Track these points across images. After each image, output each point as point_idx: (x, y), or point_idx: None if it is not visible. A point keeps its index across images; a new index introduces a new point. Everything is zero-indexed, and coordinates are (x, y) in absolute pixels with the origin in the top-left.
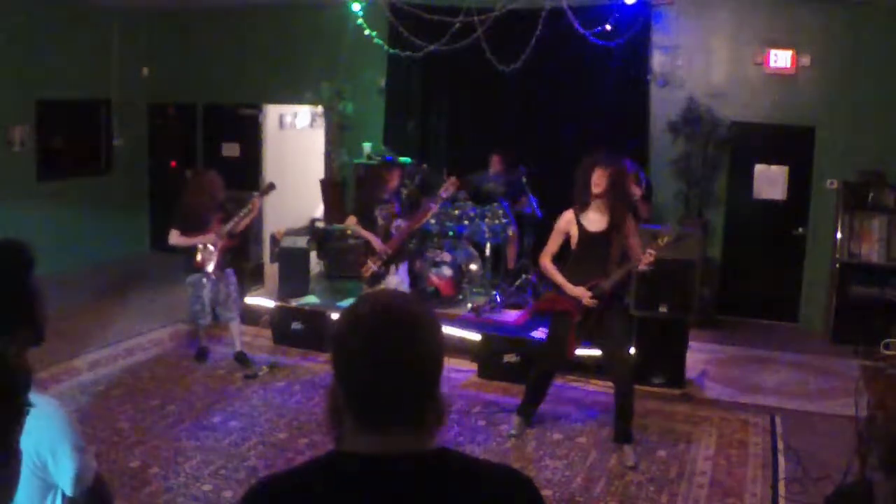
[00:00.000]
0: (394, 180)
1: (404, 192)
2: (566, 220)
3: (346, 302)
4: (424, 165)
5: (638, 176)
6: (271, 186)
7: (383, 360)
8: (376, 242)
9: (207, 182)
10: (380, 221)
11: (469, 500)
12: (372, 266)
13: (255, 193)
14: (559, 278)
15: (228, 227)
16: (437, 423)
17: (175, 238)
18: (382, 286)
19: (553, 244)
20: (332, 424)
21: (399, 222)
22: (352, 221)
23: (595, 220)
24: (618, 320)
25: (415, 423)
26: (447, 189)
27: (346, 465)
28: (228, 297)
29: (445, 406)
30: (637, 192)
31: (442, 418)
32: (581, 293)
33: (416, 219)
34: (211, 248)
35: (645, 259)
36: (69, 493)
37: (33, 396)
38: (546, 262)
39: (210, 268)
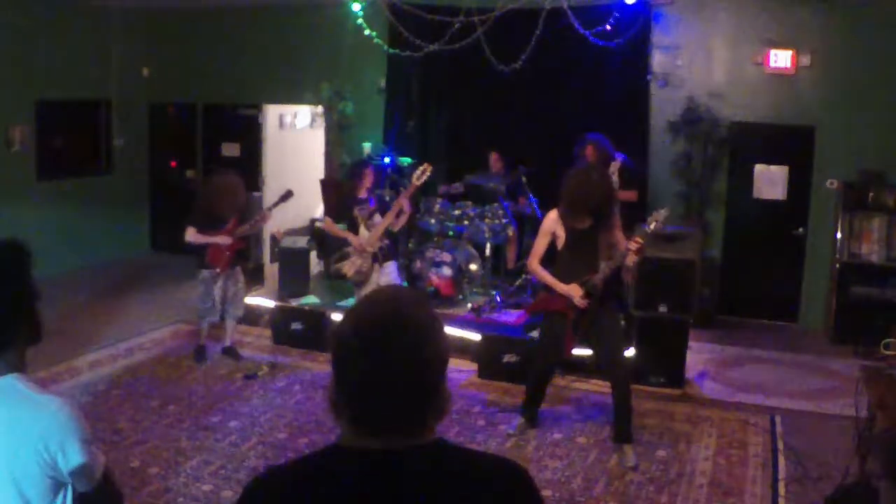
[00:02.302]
0: (368, 179)
1: (386, 190)
2: (551, 221)
3: (346, 302)
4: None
5: (612, 156)
6: (289, 194)
7: (380, 366)
8: (354, 241)
9: (231, 184)
10: (359, 221)
11: (465, 491)
12: (353, 266)
13: (276, 200)
14: (549, 278)
15: (244, 229)
16: (437, 419)
17: (191, 235)
18: (371, 285)
19: (540, 246)
20: (335, 417)
21: (376, 219)
22: (328, 224)
23: (580, 218)
24: (612, 320)
25: (413, 426)
26: (420, 176)
27: (345, 460)
28: (237, 294)
29: (447, 402)
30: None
31: (443, 413)
32: (573, 291)
33: (392, 212)
34: (223, 247)
35: (632, 247)
36: (80, 487)
37: (40, 395)
38: (534, 263)
39: (221, 266)
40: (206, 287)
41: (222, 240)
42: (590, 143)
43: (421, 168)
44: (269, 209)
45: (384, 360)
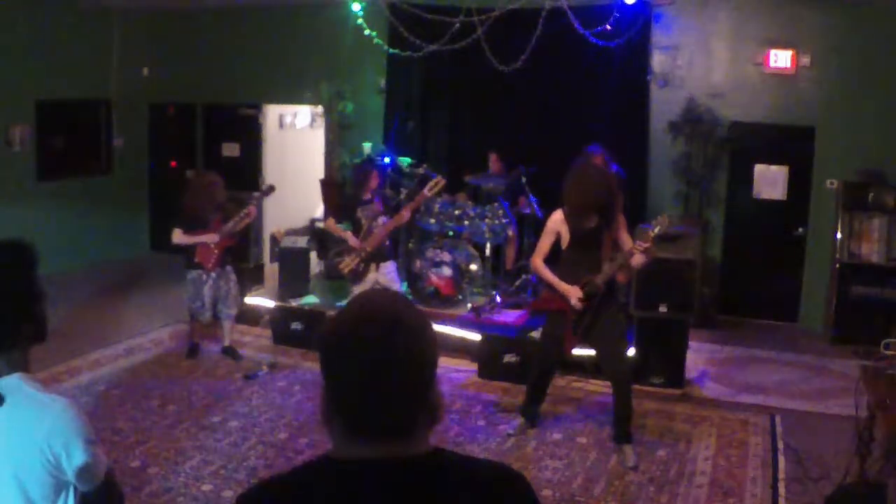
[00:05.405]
0: (373, 181)
1: (388, 191)
2: (556, 220)
3: (346, 302)
4: (425, 165)
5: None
6: (271, 189)
7: (369, 372)
8: (352, 240)
9: (207, 183)
10: (363, 221)
11: (465, 501)
12: (350, 263)
13: (255, 194)
14: (551, 277)
15: (228, 226)
16: (430, 425)
17: (178, 237)
18: (367, 284)
19: (544, 244)
20: (326, 428)
21: (382, 220)
22: (330, 223)
23: (586, 216)
24: (613, 320)
25: (406, 431)
26: (431, 188)
27: (339, 471)
28: (229, 293)
29: (440, 405)
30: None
31: (436, 418)
32: (573, 292)
33: (397, 217)
34: (211, 246)
35: (639, 248)
36: (83, 487)
37: (44, 395)
38: (538, 262)
39: (210, 265)
40: (195, 287)
41: (209, 238)
42: (596, 155)
43: (434, 181)
44: (253, 204)
45: (379, 361)
